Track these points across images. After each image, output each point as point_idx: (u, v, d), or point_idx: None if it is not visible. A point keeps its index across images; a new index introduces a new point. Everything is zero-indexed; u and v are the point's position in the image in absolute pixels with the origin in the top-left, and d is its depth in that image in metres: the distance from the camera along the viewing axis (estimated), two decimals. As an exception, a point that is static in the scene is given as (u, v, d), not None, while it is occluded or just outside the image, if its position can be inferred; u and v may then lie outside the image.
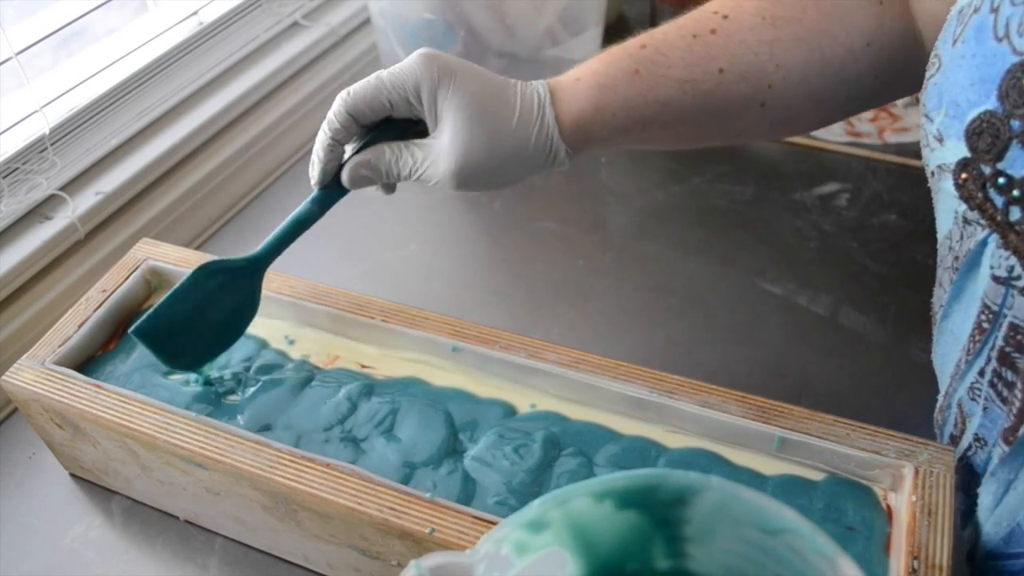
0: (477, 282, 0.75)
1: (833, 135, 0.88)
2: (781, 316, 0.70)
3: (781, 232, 0.78)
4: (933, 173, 0.40)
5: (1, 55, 0.67)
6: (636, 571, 0.36)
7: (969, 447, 0.45)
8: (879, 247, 0.76)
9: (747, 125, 0.50)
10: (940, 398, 0.47)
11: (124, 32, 0.82)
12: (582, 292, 0.73)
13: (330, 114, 0.47)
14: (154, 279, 0.61)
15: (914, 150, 0.86)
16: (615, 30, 1.03)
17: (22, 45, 0.68)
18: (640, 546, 0.35)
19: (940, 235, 0.43)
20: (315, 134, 0.90)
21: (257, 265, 0.52)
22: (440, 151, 0.46)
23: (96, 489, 0.58)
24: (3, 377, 0.53)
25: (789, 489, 0.47)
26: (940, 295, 0.45)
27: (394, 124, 0.49)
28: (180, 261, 0.60)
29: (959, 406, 0.45)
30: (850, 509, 0.46)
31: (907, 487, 0.45)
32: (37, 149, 0.71)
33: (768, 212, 0.80)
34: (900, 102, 0.91)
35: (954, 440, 0.47)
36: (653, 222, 0.80)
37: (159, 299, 0.52)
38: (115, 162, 0.76)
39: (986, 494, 0.43)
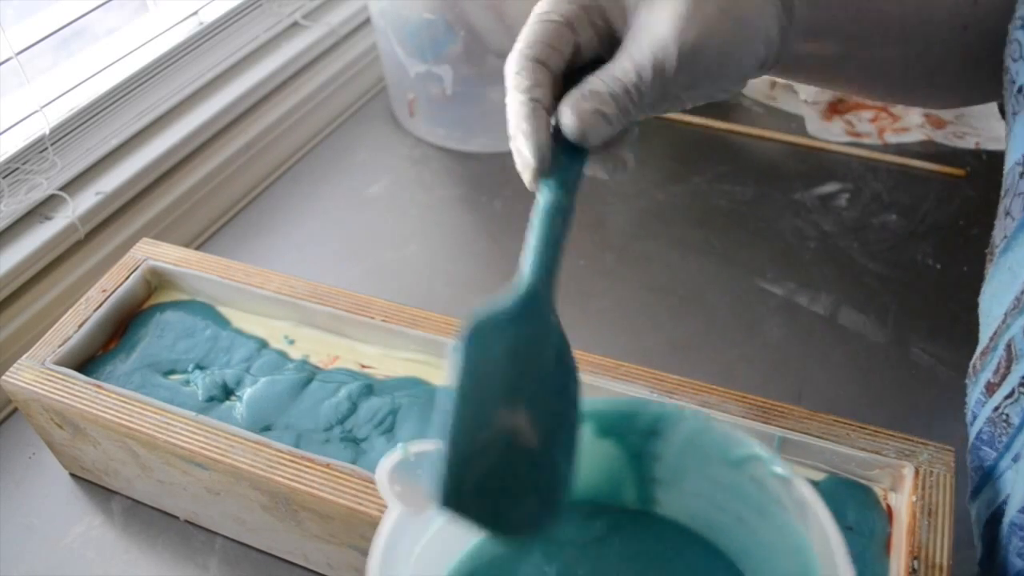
0: (477, 282, 0.75)
1: (833, 135, 0.88)
2: (781, 316, 0.70)
3: (781, 232, 0.78)
4: (1021, 89, 0.37)
5: (1, 55, 0.67)
6: (605, 508, 0.36)
7: (1011, 393, 0.40)
8: (879, 247, 0.76)
9: (945, 54, 0.44)
10: (985, 340, 0.43)
11: (124, 32, 0.82)
12: (582, 292, 0.73)
13: (512, 76, 0.35)
14: (154, 279, 0.61)
15: (914, 150, 0.86)
16: (615, 30, 1.03)
17: (22, 45, 0.68)
18: (612, 482, 0.36)
19: (1013, 157, 0.40)
20: (315, 134, 0.89)
21: (537, 293, 0.35)
22: (650, 25, 0.35)
23: (96, 489, 0.58)
24: (3, 377, 0.53)
25: (789, 489, 0.47)
26: (1006, 225, 0.40)
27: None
28: (180, 261, 0.60)
29: (1008, 347, 0.40)
30: (850, 509, 0.46)
31: (907, 487, 0.45)
32: (37, 149, 0.71)
33: (768, 212, 0.80)
34: (900, 102, 0.91)
35: (990, 389, 0.42)
36: (653, 222, 0.80)
37: (160, 298, 0.51)
38: (115, 162, 0.75)
39: None
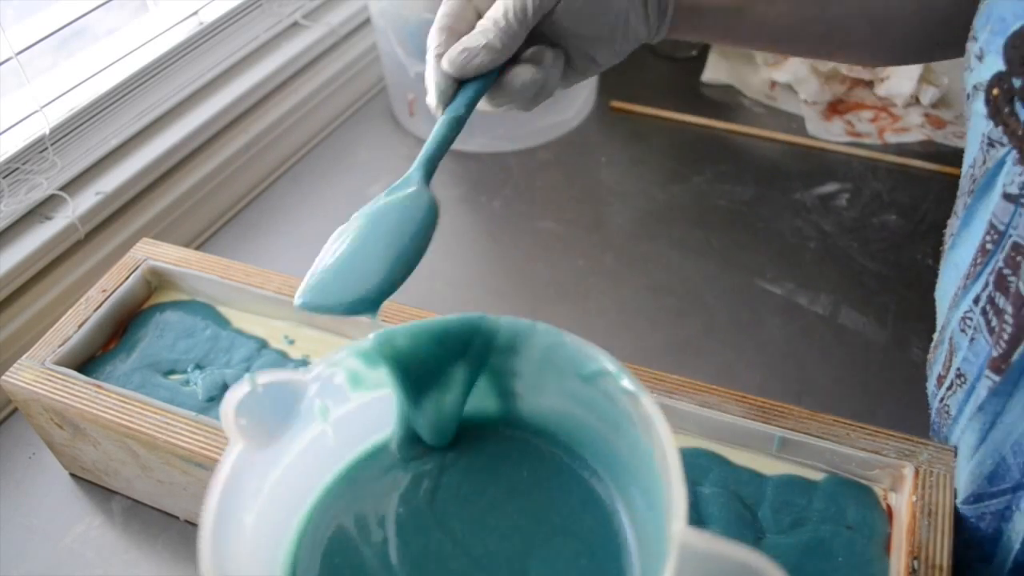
0: (477, 282, 0.75)
1: (833, 135, 0.88)
2: (781, 316, 0.70)
3: (781, 232, 0.78)
4: (969, 95, 0.40)
5: (1, 55, 0.67)
6: (467, 419, 0.37)
7: (950, 385, 0.44)
8: (879, 247, 0.76)
9: (848, 10, 0.47)
10: (936, 335, 0.47)
11: (124, 32, 0.82)
12: (582, 292, 0.73)
13: (428, 42, 0.43)
14: (154, 279, 0.61)
15: (914, 150, 0.87)
16: (615, 30, 1.03)
17: (22, 45, 0.68)
18: (471, 392, 0.37)
19: (965, 166, 0.42)
20: (315, 134, 0.89)
21: (412, 176, 0.43)
22: None
23: (96, 489, 0.58)
24: (3, 377, 0.53)
25: (789, 489, 0.47)
26: (952, 224, 0.44)
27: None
28: (180, 261, 0.60)
29: (950, 341, 0.44)
30: (850, 509, 0.46)
31: (907, 487, 0.45)
32: (37, 149, 0.71)
33: (768, 212, 0.80)
34: (900, 102, 0.91)
35: (939, 381, 0.46)
36: (653, 222, 0.80)
37: (160, 298, 0.51)
38: (115, 162, 0.75)
39: (970, 432, 0.43)
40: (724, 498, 0.46)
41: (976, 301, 0.41)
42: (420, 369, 0.36)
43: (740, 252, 0.76)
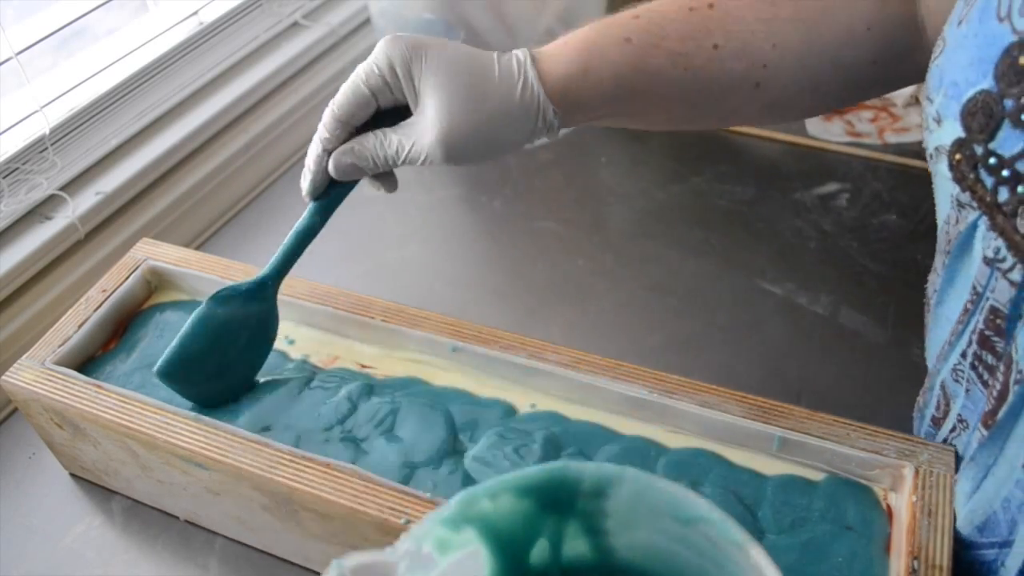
0: (477, 282, 0.75)
1: (833, 135, 0.88)
2: (781, 316, 0.70)
3: (781, 232, 0.78)
4: (931, 156, 0.40)
5: (1, 55, 0.67)
6: (558, 563, 0.36)
7: (953, 428, 0.45)
8: (879, 247, 0.76)
9: (739, 105, 0.48)
10: (926, 382, 0.48)
11: (124, 32, 0.82)
12: (582, 292, 0.73)
13: (320, 125, 0.47)
14: (154, 279, 0.61)
15: (914, 150, 0.86)
16: (615, 30, 1.03)
17: (22, 45, 0.68)
18: (562, 539, 0.35)
19: (939, 220, 0.43)
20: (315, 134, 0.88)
21: (266, 285, 0.51)
22: (424, 124, 0.45)
23: (96, 489, 0.58)
24: (3, 377, 0.53)
25: (789, 489, 0.47)
26: (934, 280, 0.45)
27: (383, 118, 0.47)
28: (180, 261, 0.60)
29: (943, 387, 0.45)
30: (850, 509, 0.46)
31: (907, 487, 0.45)
32: (37, 149, 0.71)
33: (768, 212, 0.80)
34: (900, 102, 0.91)
35: (936, 422, 0.47)
36: (653, 222, 0.80)
37: (160, 298, 0.52)
38: (115, 162, 0.76)
39: (965, 480, 0.43)
40: (724, 498, 0.46)
41: (964, 356, 0.42)
42: (507, 525, 0.34)
43: (740, 252, 0.76)
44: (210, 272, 0.59)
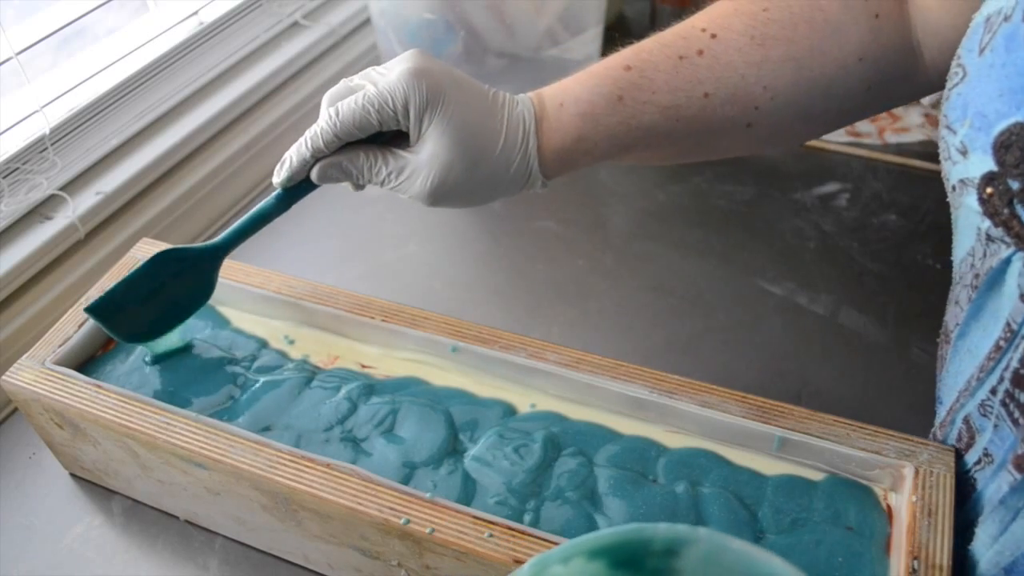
0: (477, 282, 0.75)
1: (833, 135, 0.88)
2: (781, 316, 0.70)
3: (781, 232, 0.78)
4: (954, 188, 0.39)
5: (1, 55, 0.67)
6: None
7: (978, 461, 0.44)
8: (879, 247, 0.76)
9: (732, 144, 0.49)
10: (943, 413, 0.46)
11: (124, 32, 0.82)
12: (582, 292, 0.73)
13: (315, 131, 0.46)
14: (154, 279, 0.61)
15: (914, 150, 0.86)
16: (615, 30, 1.03)
17: (22, 45, 0.68)
18: None
19: (959, 252, 0.42)
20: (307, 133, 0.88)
21: (214, 254, 0.53)
22: (418, 167, 0.46)
23: (96, 489, 0.58)
24: (3, 377, 0.53)
25: (789, 489, 0.47)
26: (956, 313, 0.44)
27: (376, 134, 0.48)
28: (180, 261, 0.60)
29: (966, 422, 0.44)
30: (850, 509, 0.46)
31: (907, 487, 0.45)
32: (37, 149, 0.71)
33: (768, 212, 0.80)
34: (900, 102, 0.91)
35: (958, 454, 0.46)
36: (653, 222, 0.80)
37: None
38: (115, 162, 0.76)
39: (991, 523, 0.42)
40: (724, 498, 0.46)
41: (994, 392, 0.41)
42: None
43: (740, 252, 0.76)
44: (210, 272, 0.59)
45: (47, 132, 0.71)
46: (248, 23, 0.90)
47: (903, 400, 0.63)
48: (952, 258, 0.44)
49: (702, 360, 0.67)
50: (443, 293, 0.73)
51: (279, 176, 0.49)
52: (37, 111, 0.70)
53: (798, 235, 0.78)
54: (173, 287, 0.53)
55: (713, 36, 0.46)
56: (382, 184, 0.47)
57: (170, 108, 0.80)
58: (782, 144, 0.51)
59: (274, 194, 0.50)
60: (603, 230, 0.80)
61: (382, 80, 0.46)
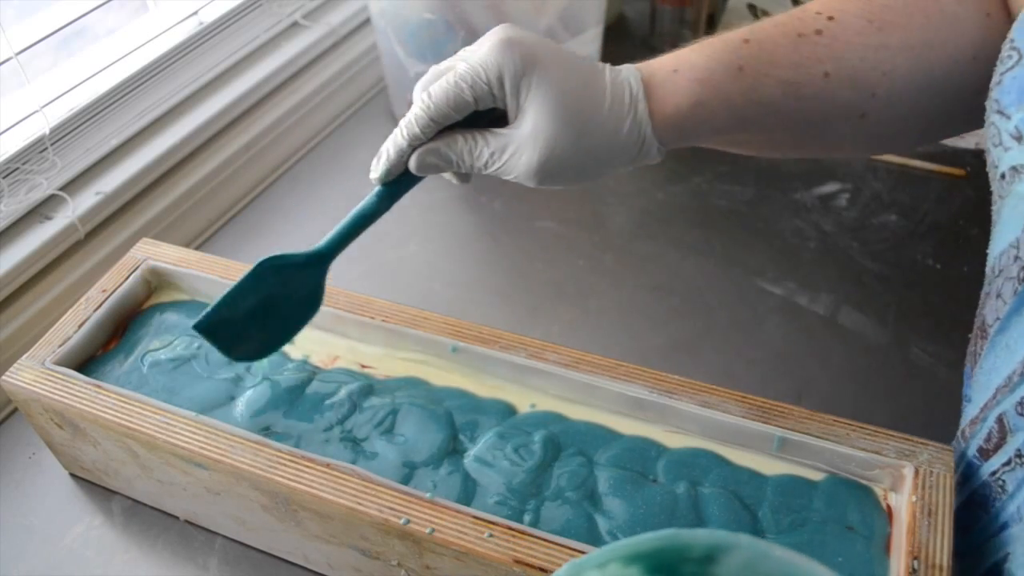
0: (477, 282, 0.75)
1: (833, 135, 0.88)
2: (781, 316, 0.70)
3: (781, 232, 0.78)
4: (1004, 175, 0.38)
5: (1, 55, 0.67)
6: None
7: (1008, 462, 0.43)
8: (879, 247, 0.76)
9: (844, 136, 0.47)
10: (973, 411, 0.46)
11: (124, 32, 0.82)
12: (582, 292, 0.73)
13: (409, 118, 0.44)
14: (154, 279, 0.61)
15: (914, 150, 0.86)
16: (615, 30, 1.03)
17: (22, 45, 0.68)
18: None
19: (1000, 243, 0.41)
20: (315, 134, 0.90)
21: (320, 260, 0.50)
22: (521, 143, 0.43)
23: (96, 489, 0.58)
24: (3, 377, 0.53)
25: (789, 489, 0.47)
26: (997, 307, 0.43)
27: (474, 117, 0.45)
28: (180, 261, 0.60)
29: (999, 421, 0.43)
30: (850, 509, 0.46)
31: (907, 487, 0.45)
32: (37, 149, 0.71)
33: (768, 212, 0.80)
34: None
35: (984, 453, 0.45)
36: (653, 222, 0.80)
37: (160, 298, 0.52)
38: (115, 162, 0.76)
39: None
40: (724, 498, 0.46)
41: None
42: None
43: (740, 252, 0.76)
44: (210, 272, 0.59)
45: (47, 132, 0.71)
46: (248, 23, 0.90)
47: (903, 400, 0.63)
48: (989, 251, 0.43)
49: (702, 360, 0.67)
50: (443, 293, 0.73)
51: (376, 171, 0.47)
52: (37, 111, 0.70)
53: (798, 235, 0.78)
54: (279, 298, 0.50)
55: (830, 18, 0.44)
56: (485, 167, 0.44)
57: (170, 108, 0.80)
58: (885, 146, 0.48)
59: (374, 192, 0.48)
60: (603, 230, 0.80)
61: (472, 56, 0.43)
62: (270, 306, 0.50)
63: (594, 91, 0.43)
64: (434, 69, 0.45)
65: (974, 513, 0.45)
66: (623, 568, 0.32)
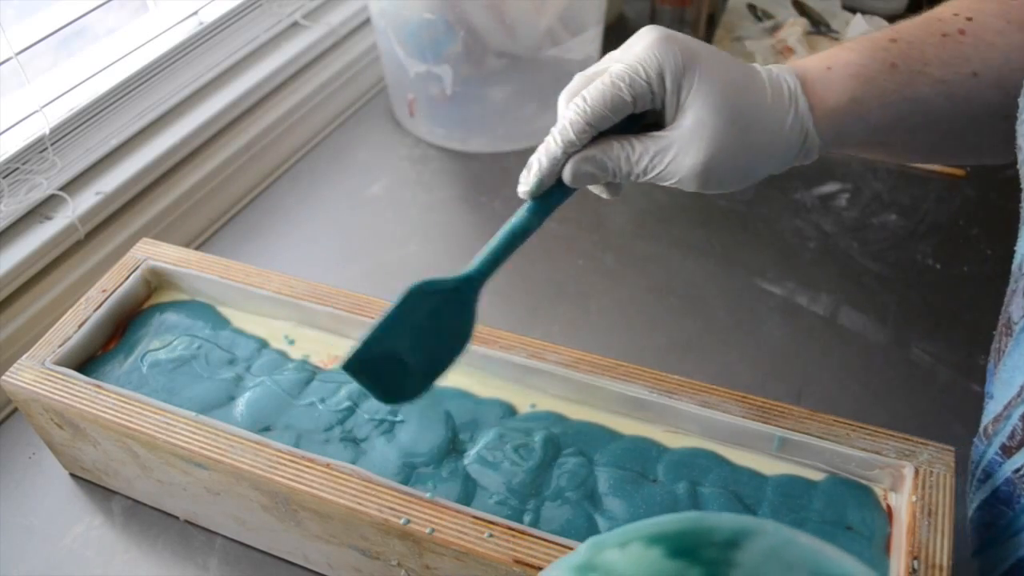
0: (477, 282, 0.75)
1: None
2: (781, 316, 0.70)
3: (781, 232, 0.78)
4: None
5: (1, 55, 0.67)
6: None
7: None
8: (879, 247, 0.76)
9: (985, 139, 0.46)
10: (996, 408, 0.45)
11: (124, 32, 0.82)
12: (582, 292, 0.73)
13: (563, 124, 0.42)
14: (154, 279, 0.61)
15: None
16: (615, 30, 1.03)
17: (22, 45, 0.68)
18: None
19: None
20: (315, 134, 0.89)
21: (471, 283, 0.47)
22: (684, 142, 0.41)
23: (96, 489, 0.58)
24: (3, 377, 0.53)
25: (789, 489, 0.47)
26: (1023, 304, 0.42)
27: (626, 121, 0.43)
28: (180, 261, 0.60)
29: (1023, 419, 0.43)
30: (850, 509, 0.46)
31: (907, 487, 0.45)
32: (37, 149, 0.71)
33: (768, 212, 0.80)
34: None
35: (1006, 451, 0.44)
36: (653, 222, 0.80)
37: (160, 298, 0.51)
38: (115, 162, 0.76)
39: None
40: (724, 498, 0.46)
41: None
42: (634, 574, 0.33)
43: (740, 252, 0.76)
44: (210, 272, 0.59)
45: (47, 132, 0.71)
46: (248, 23, 0.90)
47: (903, 400, 0.63)
48: (1016, 248, 0.43)
49: (702, 360, 0.67)
50: (443, 293, 0.73)
51: (527, 184, 0.44)
52: (37, 111, 0.70)
53: (798, 235, 0.78)
54: (430, 328, 0.46)
55: (968, 19, 0.44)
56: (644, 172, 0.43)
57: (170, 108, 0.80)
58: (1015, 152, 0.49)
59: (524, 207, 0.45)
60: (603, 230, 0.80)
61: (627, 55, 0.42)
62: (419, 338, 0.45)
63: (755, 86, 0.42)
64: (579, 76, 0.44)
65: (997, 509, 0.44)
66: (645, 548, 0.32)
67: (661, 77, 0.41)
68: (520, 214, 0.45)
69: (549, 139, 0.43)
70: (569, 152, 0.43)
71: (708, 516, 0.31)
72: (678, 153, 0.41)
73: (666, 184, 0.43)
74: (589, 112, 0.41)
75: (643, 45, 0.41)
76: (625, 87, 0.41)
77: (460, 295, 0.47)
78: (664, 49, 0.41)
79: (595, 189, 0.46)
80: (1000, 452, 0.45)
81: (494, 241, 0.46)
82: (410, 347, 0.45)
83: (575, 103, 0.42)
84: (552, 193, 0.45)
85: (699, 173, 0.41)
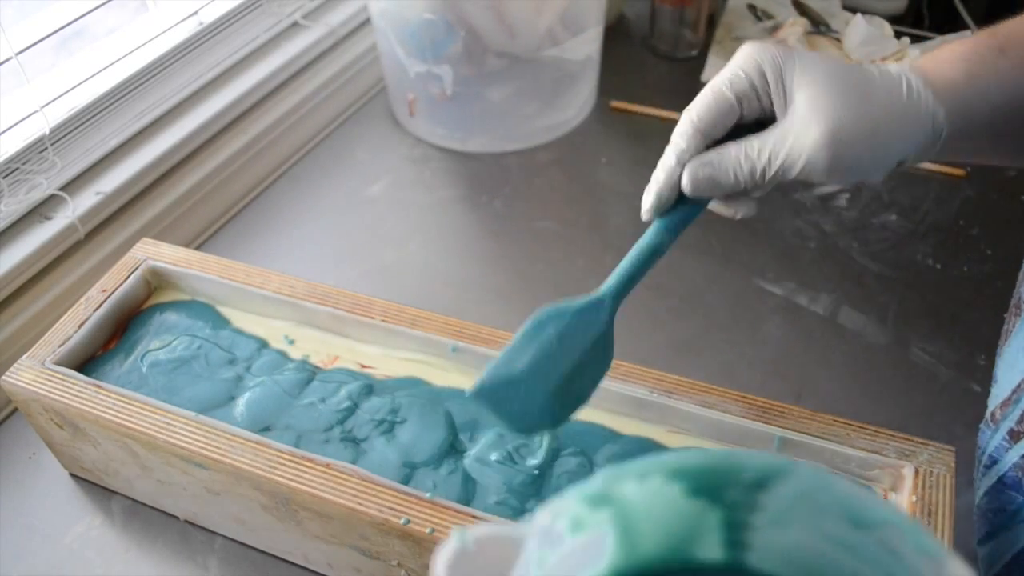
0: (477, 282, 0.75)
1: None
2: (781, 316, 0.70)
3: (781, 232, 0.78)
4: None
5: (1, 55, 0.67)
6: (683, 562, 0.30)
7: None
8: (879, 247, 0.76)
9: None
10: (1004, 392, 0.45)
11: (124, 32, 0.82)
12: (582, 292, 0.73)
13: (674, 137, 0.43)
14: (154, 279, 0.61)
15: None
16: (615, 30, 1.03)
17: (22, 45, 0.68)
18: (698, 534, 0.30)
19: None
20: (315, 134, 0.90)
21: (603, 305, 0.46)
22: (801, 123, 0.40)
23: (96, 489, 0.58)
24: (3, 377, 0.53)
25: (789, 489, 0.47)
26: None
27: (741, 133, 0.43)
28: (180, 261, 0.60)
29: None
30: (850, 509, 0.46)
31: (907, 487, 0.45)
32: (37, 149, 0.71)
33: (768, 212, 0.80)
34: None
35: (1015, 436, 0.44)
36: (653, 222, 0.80)
37: (160, 298, 0.51)
38: (115, 162, 0.76)
39: None
40: (724, 498, 0.46)
41: None
42: (645, 511, 0.32)
43: (740, 252, 0.76)
44: (210, 272, 0.59)
45: (47, 132, 0.71)
46: (248, 23, 0.90)
47: (903, 400, 0.63)
48: None
49: (702, 360, 0.67)
50: (443, 293, 0.73)
51: (647, 203, 0.44)
52: (37, 111, 0.70)
53: (798, 235, 0.78)
54: (563, 354, 0.44)
55: None
56: (768, 166, 0.42)
57: (170, 108, 0.80)
58: None
59: (652, 226, 0.45)
60: (603, 230, 0.80)
61: (727, 66, 0.42)
62: (552, 364, 0.44)
63: (858, 67, 0.41)
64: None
65: (1005, 495, 0.44)
66: (665, 483, 0.30)
67: (761, 72, 0.41)
68: (649, 234, 0.45)
69: (664, 155, 0.43)
70: (683, 160, 0.43)
71: (738, 453, 0.30)
72: (799, 133, 0.40)
73: (794, 176, 0.41)
74: (696, 118, 0.42)
75: (739, 54, 0.42)
76: (727, 88, 0.41)
77: (592, 317, 0.45)
78: (759, 48, 0.41)
79: (723, 209, 0.45)
80: (1008, 437, 0.45)
81: (625, 262, 0.46)
82: (543, 374, 0.43)
83: (683, 114, 0.42)
84: (677, 209, 0.45)
85: (826, 146, 0.39)
